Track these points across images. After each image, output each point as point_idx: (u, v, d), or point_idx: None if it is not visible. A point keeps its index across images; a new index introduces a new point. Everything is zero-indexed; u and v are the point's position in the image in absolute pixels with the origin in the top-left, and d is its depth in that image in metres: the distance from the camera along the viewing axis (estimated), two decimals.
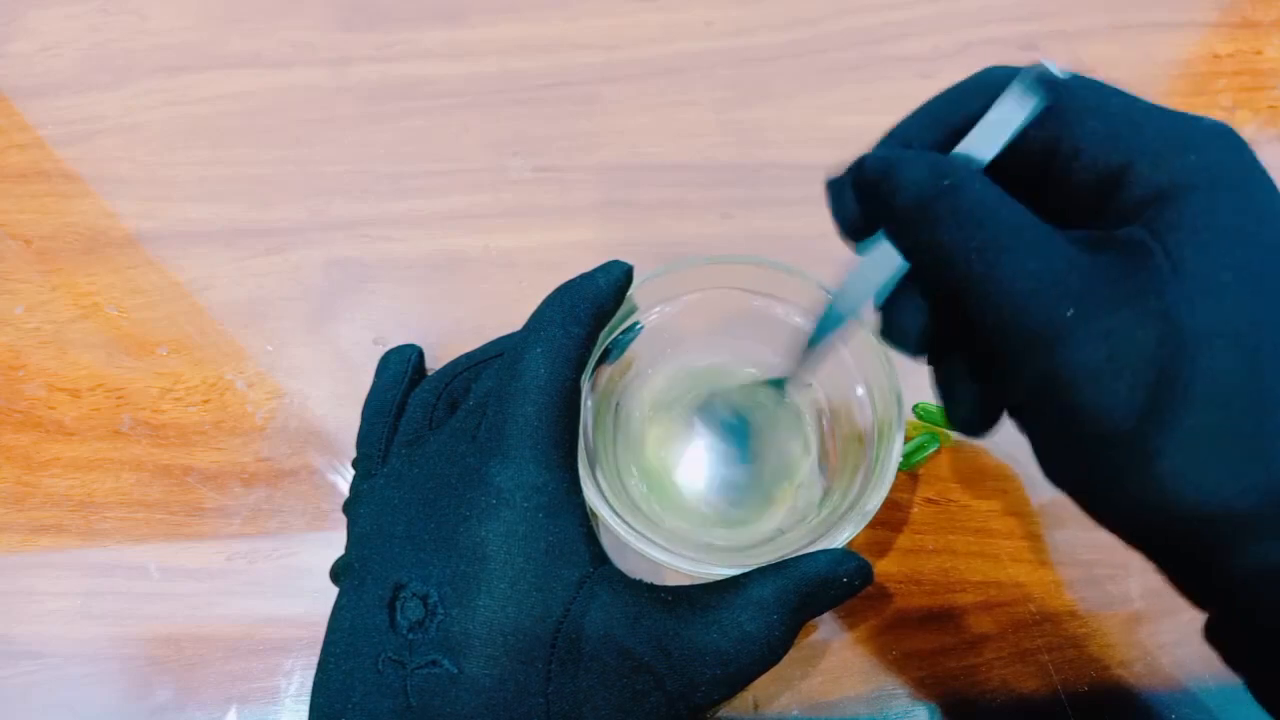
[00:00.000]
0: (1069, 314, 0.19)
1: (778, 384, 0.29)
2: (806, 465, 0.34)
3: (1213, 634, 0.22)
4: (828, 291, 0.25)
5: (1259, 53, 0.45)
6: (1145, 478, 0.19)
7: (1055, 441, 0.21)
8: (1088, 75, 0.22)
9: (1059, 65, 0.21)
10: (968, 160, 0.22)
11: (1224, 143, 0.21)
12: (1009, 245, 0.20)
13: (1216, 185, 0.20)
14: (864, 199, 0.23)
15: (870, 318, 0.25)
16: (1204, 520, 0.19)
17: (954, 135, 0.22)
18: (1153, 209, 0.20)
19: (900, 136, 0.24)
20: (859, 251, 0.24)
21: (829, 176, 0.24)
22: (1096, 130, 0.21)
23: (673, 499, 0.33)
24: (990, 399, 0.24)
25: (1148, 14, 0.46)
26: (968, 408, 0.24)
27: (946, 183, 0.21)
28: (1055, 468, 0.22)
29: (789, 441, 0.31)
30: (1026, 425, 0.22)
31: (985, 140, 0.22)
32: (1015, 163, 0.22)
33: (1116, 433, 0.19)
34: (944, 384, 0.25)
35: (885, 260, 0.23)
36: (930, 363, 0.25)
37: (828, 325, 0.25)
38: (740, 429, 0.31)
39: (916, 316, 0.23)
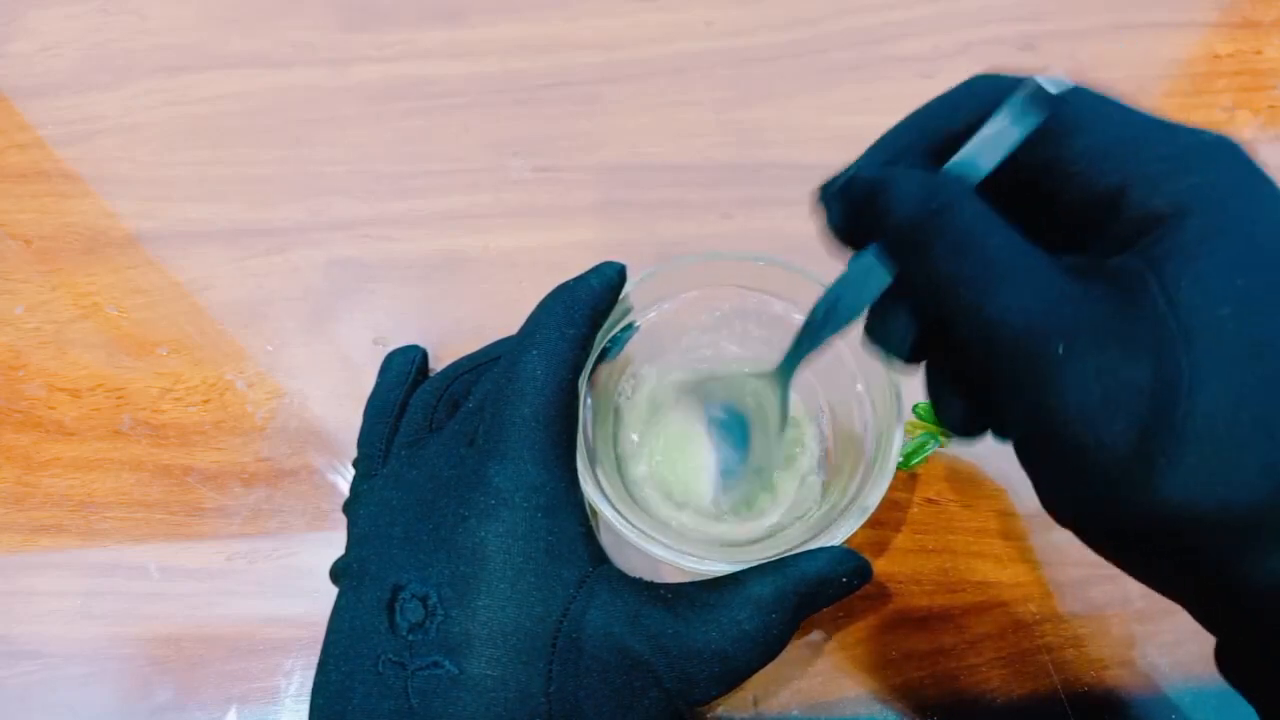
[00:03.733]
0: (1059, 351, 0.19)
1: (771, 375, 0.29)
2: (807, 460, 0.34)
3: (1223, 658, 0.21)
4: (817, 297, 0.24)
5: (1259, 53, 0.45)
6: (1147, 514, 0.18)
7: (1051, 476, 0.21)
8: (1087, 86, 0.21)
9: (1058, 75, 0.21)
10: (960, 178, 0.21)
11: (1225, 161, 0.20)
12: (998, 276, 0.19)
13: (1216, 209, 0.19)
14: (854, 215, 0.23)
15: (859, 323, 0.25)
16: (1212, 536, 0.18)
17: (945, 146, 0.22)
18: (1149, 236, 0.19)
19: (890, 146, 0.23)
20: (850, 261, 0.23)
21: (820, 185, 0.24)
22: (1091, 150, 0.20)
23: (673, 493, 0.33)
24: (979, 410, 0.23)
25: (1148, 14, 0.46)
26: (957, 414, 0.24)
27: (937, 205, 0.20)
28: (1053, 502, 0.21)
29: (784, 434, 0.31)
30: (1021, 458, 0.22)
31: (978, 157, 0.21)
32: (1009, 180, 0.21)
33: (1112, 470, 0.18)
34: (933, 390, 0.24)
35: (875, 272, 0.22)
36: (919, 361, 0.25)
37: (815, 333, 0.25)
38: (733, 421, 0.31)
39: (906, 328, 0.23)
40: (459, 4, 0.47)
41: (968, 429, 0.24)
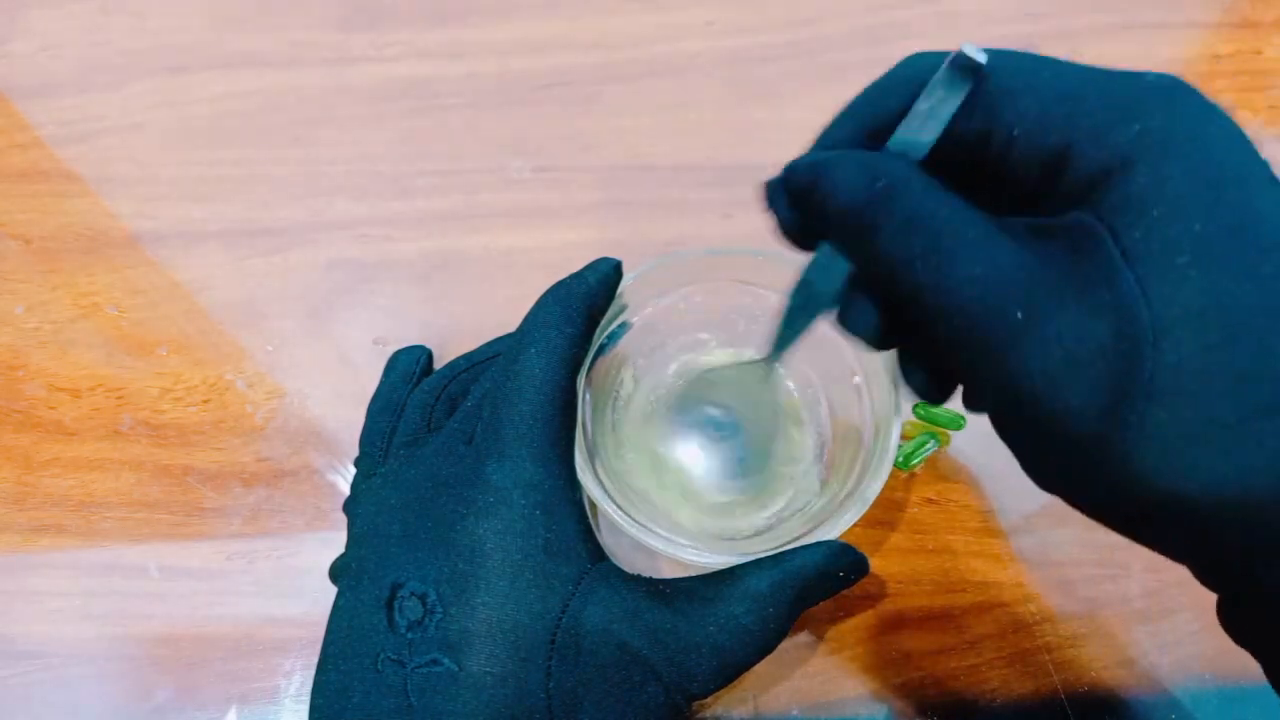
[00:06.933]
0: (1018, 317, 0.18)
1: (758, 365, 0.29)
2: (806, 451, 0.34)
3: (1225, 613, 0.21)
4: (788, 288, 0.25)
5: (1259, 53, 0.45)
6: (1124, 477, 0.18)
7: (1028, 446, 0.20)
8: (1018, 51, 0.21)
9: (982, 47, 0.20)
10: (901, 155, 0.21)
11: (1172, 101, 0.18)
12: (950, 251, 0.19)
13: (1164, 155, 0.18)
14: (799, 207, 0.22)
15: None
16: (1205, 513, 0.17)
17: (885, 132, 0.21)
18: (1099, 190, 0.18)
19: (830, 139, 0.22)
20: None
21: (765, 180, 0.23)
22: (1029, 112, 0.19)
23: (672, 488, 0.33)
24: (944, 379, 0.23)
25: (1148, 14, 0.46)
26: (921, 383, 0.24)
27: (881, 184, 0.20)
28: (1034, 471, 0.21)
29: (779, 422, 0.31)
30: (998, 430, 0.21)
31: (916, 132, 0.21)
32: (953, 153, 0.21)
33: (1085, 435, 0.18)
34: (902, 363, 0.24)
35: (840, 257, 0.22)
36: (891, 346, 0.24)
37: (794, 320, 0.25)
38: (727, 415, 0.31)
39: (870, 313, 0.22)
40: (459, 4, 0.47)
41: (933, 397, 0.24)
